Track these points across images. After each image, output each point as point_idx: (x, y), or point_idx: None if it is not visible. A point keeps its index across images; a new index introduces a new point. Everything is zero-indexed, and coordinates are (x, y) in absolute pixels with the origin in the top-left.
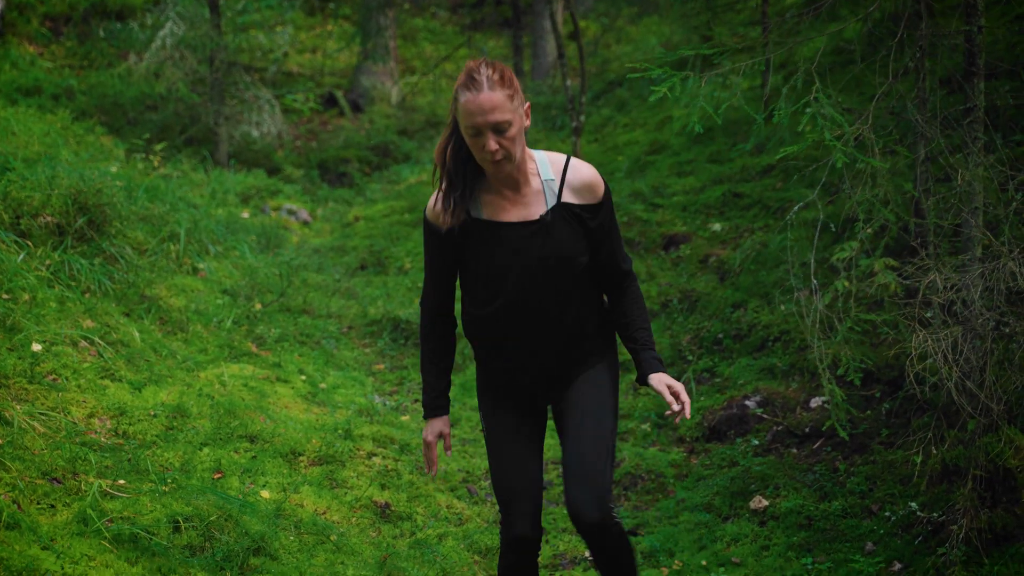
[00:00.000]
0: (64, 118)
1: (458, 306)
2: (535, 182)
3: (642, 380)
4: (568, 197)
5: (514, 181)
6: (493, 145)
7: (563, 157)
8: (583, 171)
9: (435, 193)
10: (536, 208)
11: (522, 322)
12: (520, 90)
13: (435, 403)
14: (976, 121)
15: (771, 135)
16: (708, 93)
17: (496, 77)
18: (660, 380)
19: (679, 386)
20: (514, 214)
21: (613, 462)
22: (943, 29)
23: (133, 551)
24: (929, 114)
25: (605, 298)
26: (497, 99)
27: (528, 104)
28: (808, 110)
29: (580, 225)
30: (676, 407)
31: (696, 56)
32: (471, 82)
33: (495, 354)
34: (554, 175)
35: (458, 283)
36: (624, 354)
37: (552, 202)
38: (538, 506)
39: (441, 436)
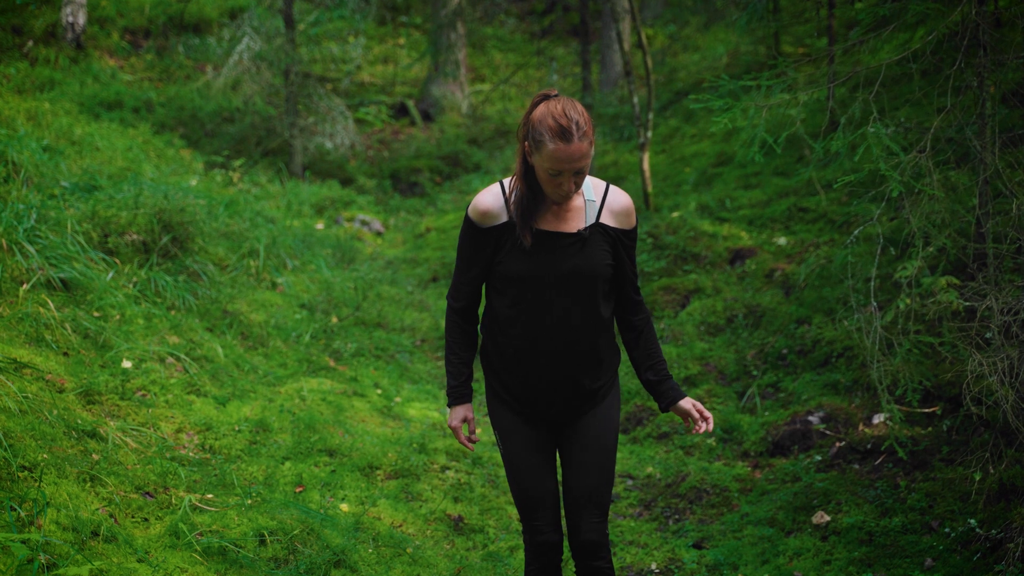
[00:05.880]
0: (145, 132)
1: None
2: (578, 200)
3: (669, 405)
4: (606, 219)
5: None
6: (572, 187)
7: (603, 183)
8: (622, 198)
9: (482, 193)
10: (576, 223)
11: (544, 327)
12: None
13: (459, 391)
14: None
15: (833, 158)
16: (770, 116)
17: (585, 128)
18: (693, 403)
19: (702, 407)
20: (555, 225)
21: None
22: (1003, 57)
23: (222, 563)
24: (988, 139)
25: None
26: (584, 148)
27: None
28: (863, 144)
29: (610, 246)
30: (704, 427)
31: (758, 79)
32: (562, 132)
33: (514, 361)
34: (595, 197)
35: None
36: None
37: (592, 220)
38: (558, 512)
39: (465, 420)
